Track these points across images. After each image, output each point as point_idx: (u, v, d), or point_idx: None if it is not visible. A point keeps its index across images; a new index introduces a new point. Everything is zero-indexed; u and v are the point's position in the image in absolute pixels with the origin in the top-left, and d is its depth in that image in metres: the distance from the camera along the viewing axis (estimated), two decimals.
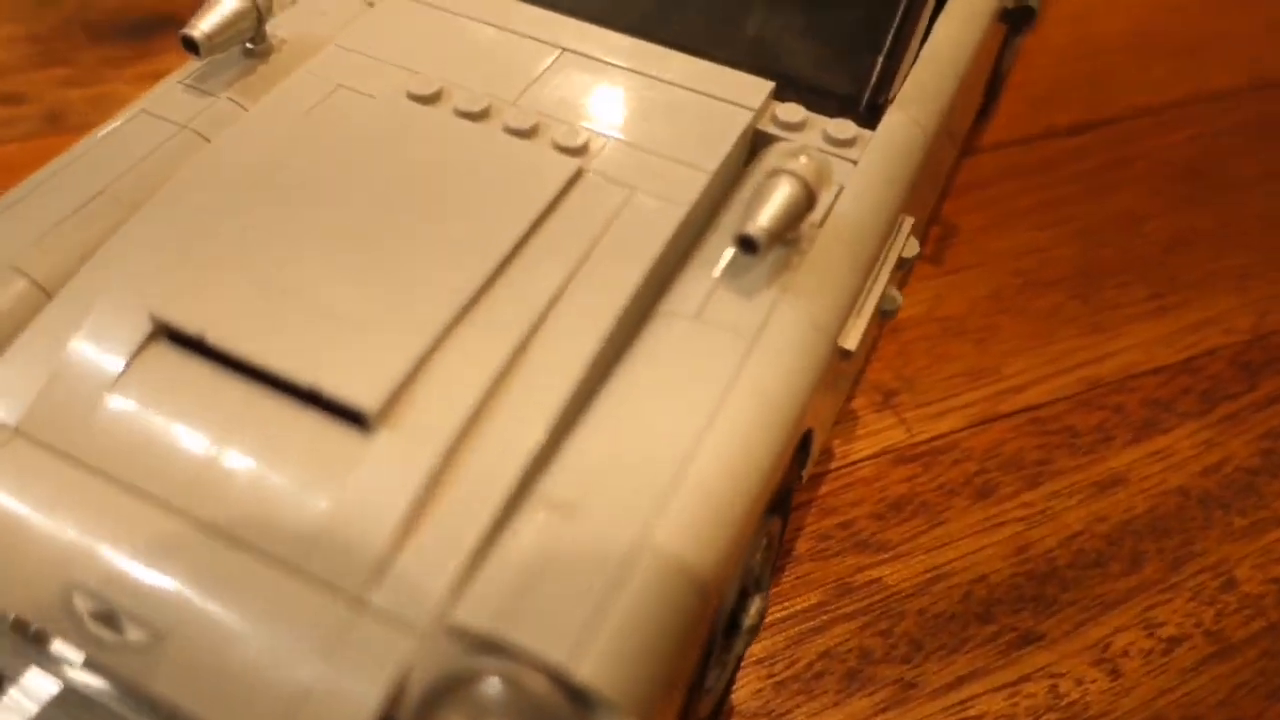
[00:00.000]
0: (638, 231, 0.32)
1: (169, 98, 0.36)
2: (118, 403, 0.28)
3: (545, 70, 0.37)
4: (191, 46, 0.35)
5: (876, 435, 0.47)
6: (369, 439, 0.27)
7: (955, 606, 0.42)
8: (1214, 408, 0.50)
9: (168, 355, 0.29)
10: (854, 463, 0.46)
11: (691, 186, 0.33)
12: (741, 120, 0.35)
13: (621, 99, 0.36)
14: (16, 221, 0.32)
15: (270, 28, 0.37)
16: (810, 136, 0.36)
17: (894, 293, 0.36)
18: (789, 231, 0.31)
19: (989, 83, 0.57)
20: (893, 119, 0.37)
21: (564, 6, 0.39)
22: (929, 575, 0.43)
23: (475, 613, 0.24)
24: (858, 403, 0.48)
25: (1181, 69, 0.68)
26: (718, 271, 0.31)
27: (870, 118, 0.37)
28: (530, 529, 0.26)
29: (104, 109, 0.59)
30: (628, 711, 0.23)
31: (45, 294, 0.31)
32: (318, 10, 0.40)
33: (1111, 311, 0.54)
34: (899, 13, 0.38)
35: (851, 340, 0.33)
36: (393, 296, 0.29)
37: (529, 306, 0.30)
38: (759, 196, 0.31)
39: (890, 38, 0.37)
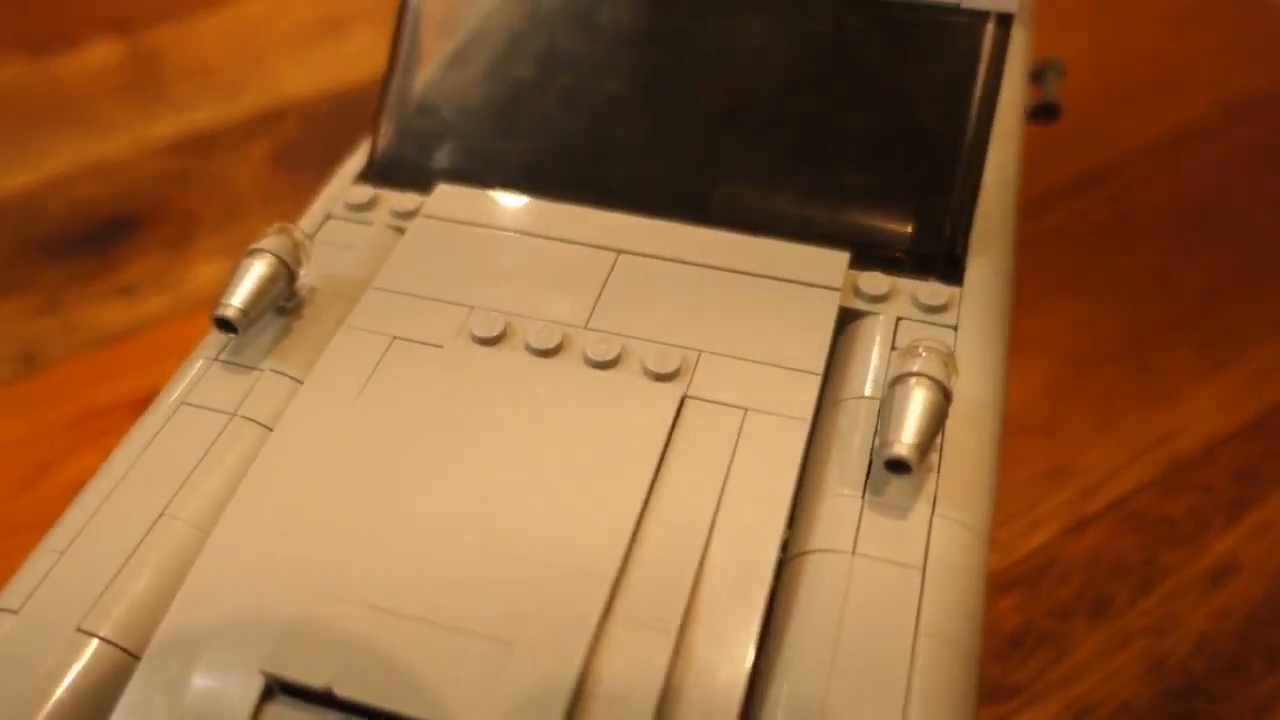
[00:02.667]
0: (764, 457, 0.29)
1: (207, 382, 0.32)
2: None
3: (607, 282, 0.34)
4: (228, 327, 0.32)
5: None
6: None
7: None
8: None
9: (289, 715, 0.25)
10: None
11: (805, 396, 0.31)
12: (830, 305, 0.33)
13: (698, 301, 0.33)
14: (71, 569, 0.28)
15: None
16: (899, 306, 0.34)
17: None
18: (935, 438, 0.28)
19: None
20: (977, 271, 0.35)
21: (603, 200, 0.37)
22: (1071, 714, 0.41)
23: None
24: None
25: (1157, 105, 0.68)
26: (856, 490, 0.29)
27: (949, 269, 0.35)
28: None
29: (79, 338, 0.55)
30: None
31: (124, 653, 0.27)
32: (341, 244, 0.37)
33: (1166, 378, 0.53)
34: (962, 158, 0.36)
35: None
36: (529, 597, 0.26)
37: (677, 584, 0.27)
38: (896, 410, 0.28)
39: (959, 186, 0.35)
